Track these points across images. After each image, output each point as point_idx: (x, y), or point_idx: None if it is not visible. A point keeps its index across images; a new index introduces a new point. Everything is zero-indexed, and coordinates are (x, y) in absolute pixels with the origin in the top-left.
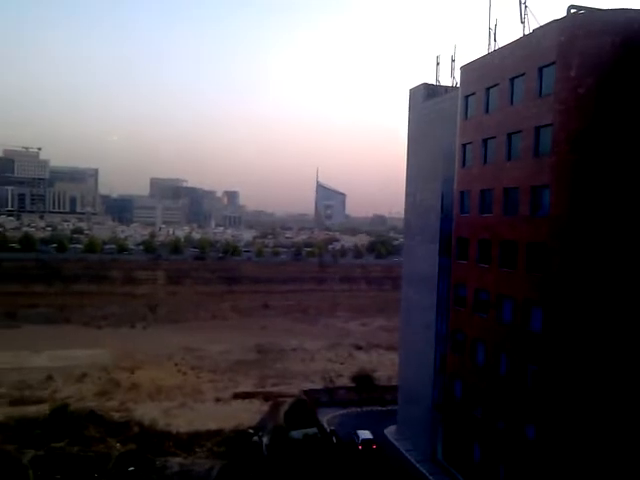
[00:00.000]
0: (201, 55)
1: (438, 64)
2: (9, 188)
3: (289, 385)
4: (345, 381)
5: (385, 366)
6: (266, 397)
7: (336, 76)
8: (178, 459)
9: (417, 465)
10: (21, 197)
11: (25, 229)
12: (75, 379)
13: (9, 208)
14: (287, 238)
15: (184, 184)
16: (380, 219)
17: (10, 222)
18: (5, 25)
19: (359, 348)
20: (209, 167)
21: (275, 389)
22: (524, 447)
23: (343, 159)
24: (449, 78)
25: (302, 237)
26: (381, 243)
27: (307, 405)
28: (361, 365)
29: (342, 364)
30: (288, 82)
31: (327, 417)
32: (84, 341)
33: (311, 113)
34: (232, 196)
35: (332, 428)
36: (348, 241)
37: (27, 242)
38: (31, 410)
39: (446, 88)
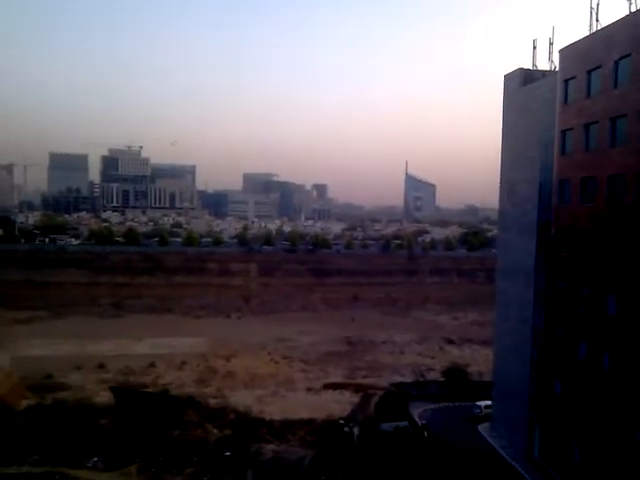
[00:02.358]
0: (288, 50)
1: (535, 48)
2: (114, 185)
3: (379, 377)
4: (436, 375)
5: (478, 361)
6: (356, 388)
7: (424, 64)
8: (272, 446)
9: (512, 463)
10: (125, 194)
11: (129, 224)
12: (175, 366)
13: (114, 204)
14: (376, 230)
15: (275, 179)
16: (472, 210)
17: (115, 217)
18: (107, 32)
19: (450, 342)
20: (299, 161)
21: (365, 381)
22: (632, 452)
23: (433, 149)
24: (547, 62)
25: (391, 229)
26: (473, 234)
27: (398, 398)
28: (452, 360)
29: (433, 358)
30: (375, 72)
31: (418, 411)
32: (183, 330)
33: (399, 103)
34: (321, 189)
35: (423, 422)
36: (438, 233)
37: (131, 236)
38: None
39: (544, 72)
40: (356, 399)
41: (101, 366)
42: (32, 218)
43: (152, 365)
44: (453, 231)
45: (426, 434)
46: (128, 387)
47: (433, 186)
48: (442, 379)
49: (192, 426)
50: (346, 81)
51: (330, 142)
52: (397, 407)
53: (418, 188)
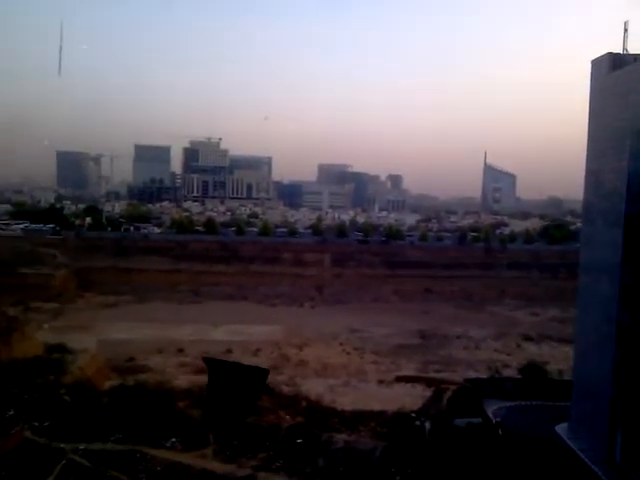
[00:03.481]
0: (362, 39)
1: (626, 30)
2: (194, 176)
3: (453, 372)
4: (512, 372)
5: (557, 359)
6: (429, 382)
7: (504, 50)
8: (342, 436)
9: (592, 466)
10: (205, 184)
11: (208, 213)
12: (250, 353)
13: (195, 194)
14: (451, 222)
15: (350, 169)
16: (555, 202)
17: (196, 207)
18: (184, 27)
19: (528, 339)
20: (374, 152)
21: (438, 375)
22: None
23: (514, 138)
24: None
25: (467, 221)
26: (555, 227)
27: (472, 394)
28: (530, 357)
29: (509, 355)
30: (451, 59)
31: (492, 408)
32: (258, 318)
33: (478, 91)
34: (396, 180)
35: (498, 420)
36: (518, 225)
37: (210, 225)
38: None
39: (635, 57)
40: (428, 393)
41: (180, 350)
42: (118, 207)
43: (229, 351)
44: (534, 223)
45: (500, 432)
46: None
47: (513, 176)
48: (519, 377)
49: (265, 412)
50: (422, 69)
51: (405, 133)
52: (471, 403)
53: (497, 179)
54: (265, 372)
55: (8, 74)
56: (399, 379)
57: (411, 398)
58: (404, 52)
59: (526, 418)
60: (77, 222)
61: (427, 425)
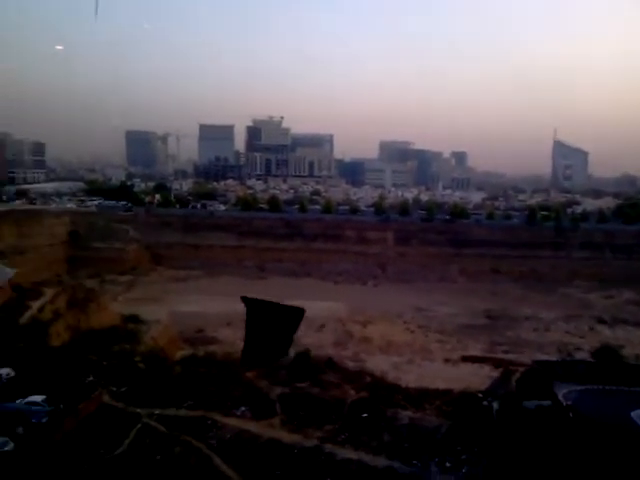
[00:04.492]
0: (426, 17)
1: None
2: (257, 154)
3: (521, 354)
4: (584, 356)
5: (633, 343)
6: (496, 363)
7: (575, 26)
8: (407, 412)
9: None
10: (267, 162)
11: (271, 191)
12: (315, 328)
13: (258, 172)
14: (520, 201)
15: (412, 147)
16: (629, 179)
17: (259, 185)
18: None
19: (602, 322)
20: (437, 128)
21: (506, 356)
22: None
23: (586, 114)
24: None
25: (536, 200)
26: (630, 206)
27: (541, 376)
28: (604, 340)
29: (581, 337)
30: (518, 39)
31: (563, 391)
32: (322, 294)
33: (546, 68)
34: (460, 157)
35: (569, 403)
36: (590, 204)
37: (274, 203)
38: None
39: None
40: (495, 374)
41: None
42: (185, 185)
43: None
44: (607, 202)
45: (571, 415)
46: None
47: (585, 153)
48: (592, 360)
49: (330, 386)
50: (488, 48)
51: (471, 109)
52: (540, 385)
53: (568, 155)
54: (301, 311)
55: (77, 58)
56: (465, 359)
57: (478, 378)
58: (470, 28)
59: (599, 403)
60: (147, 199)
61: (495, 405)
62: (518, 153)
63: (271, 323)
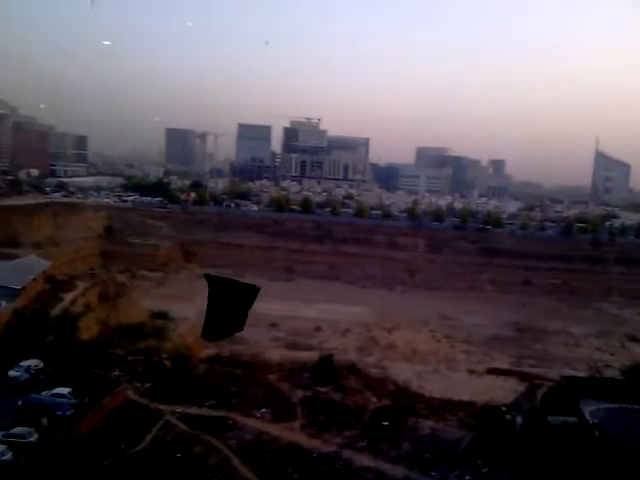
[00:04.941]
0: (471, 18)
1: None
2: (293, 156)
3: (548, 368)
4: (614, 373)
5: None
6: (522, 377)
7: (618, 31)
8: (429, 422)
9: None
10: (303, 164)
11: (305, 193)
12: (340, 332)
13: (293, 174)
14: (556, 212)
15: (449, 153)
16: None
17: (293, 186)
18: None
19: (634, 340)
20: (476, 135)
21: (532, 370)
22: None
23: (630, 124)
24: None
25: (574, 211)
26: None
27: (568, 392)
28: (635, 358)
29: (612, 355)
30: (565, 42)
31: (590, 409)
32: (349, 298)
33: (592, 75)
34: (498, 165)
35: (595, 421)
36: (630, 218)
37: (306, 205)
38: (302, 355)
39: None
40: (521, 388)
41: (273, 325)
42: (221, 184)
43: (319, 329)
44: None
45: (597, 434)
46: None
47: (627, 166)
48: (621, 378)
49: (352, 392)
50: (530, 51)
51: (510, 116)
52: (566, 401)
53: (609, 168)
54: (256, 289)
55: (123, 54)
56: (491, 371)
57: (502, 391)
58: (507, 34)
59: (627, 422)
60: (182, 197)
61: (518, 420)
62: (558, 164)
63: (228, 299)
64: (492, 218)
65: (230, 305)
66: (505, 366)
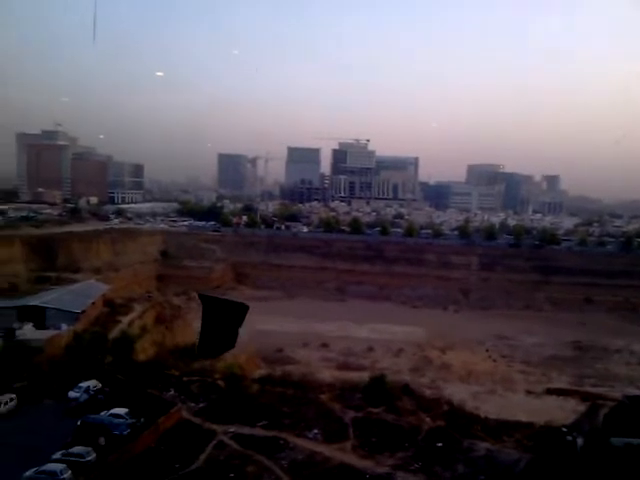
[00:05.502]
0: (513, 33)
1: None
2: (342, 177)
3: (610, 388)
4: None
5: None
6: (583, 397)
7: None
8: (485, 444)
9: None
10: (351, 185)
11: (354, 213)
12: (392, 353)
13: (342, 195)
14: (616, 227)
15: (501, 169)
16: None
17: (342, 207)
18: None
19: None
20: (529, 151)
21: (594, 390)
22: None
23: None
24: None
25: (634, 226)
26: None
27: (632, 412)
28: None
29: None
30: (618, 49)
31: None
32: (401, 318)
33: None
34: (552, 181)
35: None
36: None
37: (356, 225)
38: (353, 375)
39: None
40: (582, 408)
41: (324, 345)
42: (271, 207)
43: (371, 349)
44: None
45: None
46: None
47: None
48: None
49: (406, 413)
50: (583, 64)
51: (564, 131)
52: (630, 422)
53: None
54: (245, 307)
55: (176, 84)
56: (550, 391)
57: (562, 412)
58: (564, 43)
59: None
60: (234, 220)
61: (579, 441)
62: (617, 177)
63: (220, 318)
64: (548, 234)
65: (222, 323)
66: (565, 386)
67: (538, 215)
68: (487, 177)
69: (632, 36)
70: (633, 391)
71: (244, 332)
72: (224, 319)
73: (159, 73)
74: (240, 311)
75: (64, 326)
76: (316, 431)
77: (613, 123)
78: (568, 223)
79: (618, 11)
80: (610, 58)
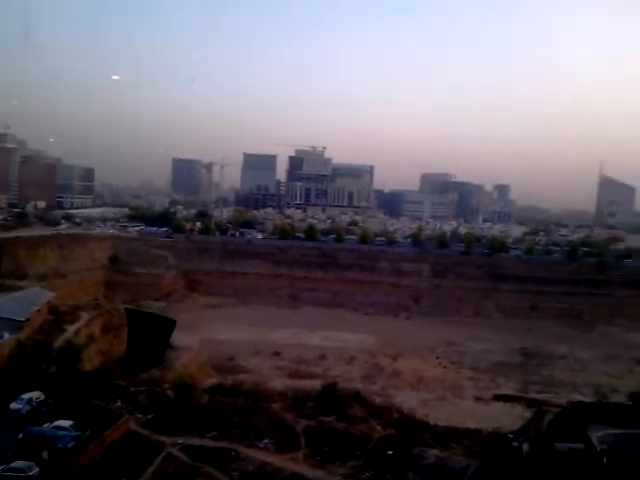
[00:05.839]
0: (470, 49)
1: None
2: (298, 184)
3: (555, 394)
4: (621, 398)
5: None
6: (529, 403)
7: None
8: (434, 451)
9: None
10: (307, 192)
11: (309, 220)
12: (344, 360)
13: (297, 202)
14: (561, 236)
15: (453, 179)
16: None
17: (297, 214)
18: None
19: None
20: (479, 160)
21: (539, 396)
22: None
23: (634, 147)
24: None
25: (579, 235)
26: None
27: (575, 418)
28: None
29: (620, 379)
30: (575, 66)
31: (597, 434)
32: (353, 325)
33: (591, 99)
34: (502, 190)
35: (603, 447)
36: (636, 241)
37: (310, 232)
38: (305, 384)
39: None
40: (528, 414)
41: (277, 353)
42: (226, 213)
43: (323, 357)
44: None
45: (605, 460)
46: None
47: (632, 189)
48: (629, 403)
49: (357, 421)
50: (536, 76)
51: (513, 142)
52: (574, 427)
53: (614, 192)
54: (172, 322)
55: (131, 86)
56: (497, 397)
57: (509, 418)
58: (512, 56)
59: (636, 448)
60: (187, 226)
61: (525, 447)
62: (563, 188)
63: (148, 332)
64: (497, 243)
65: (150, 338)
66: (512, 392)
67: (488, 224)
68: (440, 186)
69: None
70: (577, 397)
71: (195, 340)
72: (151, 334)
73: (115, 77)
74: (168, 326)
75: (6, 335)
76: (267, 441)
77: (564, 135)
78: (516, 232)
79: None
80: (560, 69)
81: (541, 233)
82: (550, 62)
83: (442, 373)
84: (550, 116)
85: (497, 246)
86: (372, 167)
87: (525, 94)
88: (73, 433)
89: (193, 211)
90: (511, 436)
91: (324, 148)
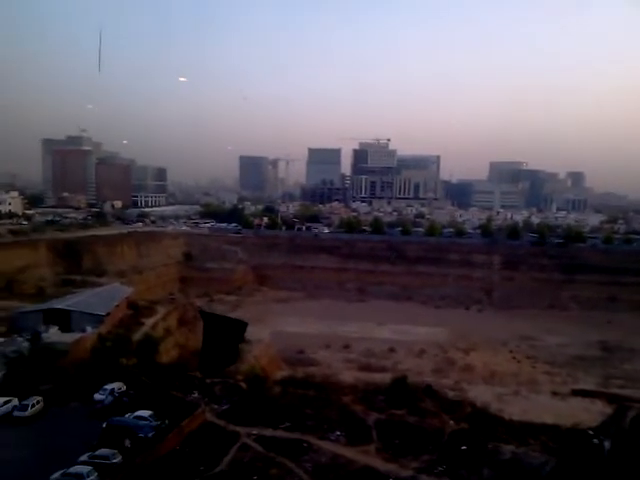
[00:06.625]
0: (541, 30)
1: None
2: (363, 177)
3: (639, 390)
4: None
5: None
6: (610, 399)
7: None
8: (510, 447)
9: None
10: (372, 185)
11: (375, 214)
12: (414, 354)
13: (362, 195)
14: None
15: (524, 167)
16: None
17: (363, 207)
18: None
19: None
20: (552, 148)
21: (621, 391)
22: None
23: None
24: None
25: None
26: None
27: None
28: None
29: None
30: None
31: None
32: (423, 319)
33: None
34: (577, 178)
35: None
36: None
37: (377, 225)
38: (376, 377)
39: None
40: (609, 410)
41: (346, 346)
42: (292, 208)
43: (392, 350)
44: None
45: None
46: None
47: None
48: None
49: (428, 415)
50: (606, 61)
51: (588, 127)
52: None
53: None
54: (244, 324)
55: (196, 89)
56: (576, 392)
57: (588, 414)
58: (592, 39)
59: None
60: (255, 222)
61: (606, 444)
62: None
63: (221, 334)
64: (572, 232)
65: (223, 340)
66: (591, 387)
67: (562, 212)
68: (510, 174)
69: None
70: None
71: (266, 333)
72: (225, 335)
73: (182, 79)
74: (240, 327)
75: (89, 329)
76: (339, 433)
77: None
78: (593, 220)
79: None
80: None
81: (620, 221)
82: (618, 50)
83: (516, 367)
84: (630, 101)
85: (572, 235)
86: (439, 157)
87: (599, 75)
88: (153, 423)
89: (260, 207)
90: (591, 433)
91: (388, 140)
